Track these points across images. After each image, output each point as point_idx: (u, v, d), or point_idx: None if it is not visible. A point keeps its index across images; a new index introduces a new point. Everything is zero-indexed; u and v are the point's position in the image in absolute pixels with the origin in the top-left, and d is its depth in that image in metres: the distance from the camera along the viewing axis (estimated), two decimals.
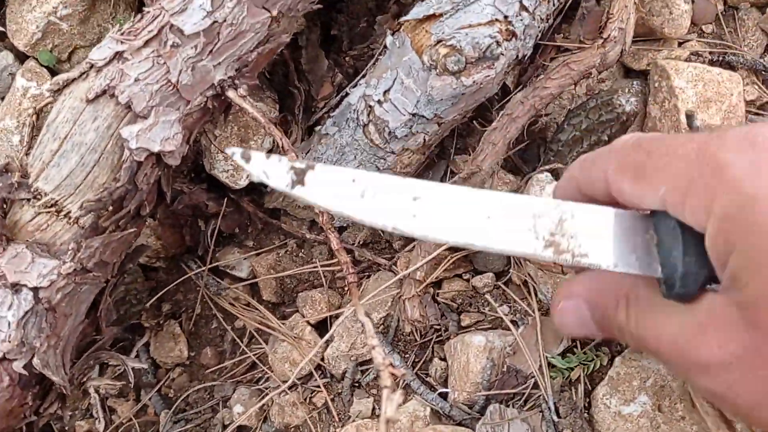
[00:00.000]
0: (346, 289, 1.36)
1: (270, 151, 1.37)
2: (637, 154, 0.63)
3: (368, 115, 1.25)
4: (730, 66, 1.38)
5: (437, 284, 1.30)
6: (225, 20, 1.07)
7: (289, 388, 1.33)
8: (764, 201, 0.51)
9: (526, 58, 1.30)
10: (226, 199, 1.46)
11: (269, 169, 0.63)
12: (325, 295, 1.36)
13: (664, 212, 0.60)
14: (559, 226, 0.65)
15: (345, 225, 1.40)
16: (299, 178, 0.63)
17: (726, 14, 1.43)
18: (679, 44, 1.39)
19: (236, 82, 1.12)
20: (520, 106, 1.25)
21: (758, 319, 0.51)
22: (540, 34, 1.30)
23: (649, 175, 0.60)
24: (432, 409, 1.19)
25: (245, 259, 1.48)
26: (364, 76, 1.31)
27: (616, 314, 0.65)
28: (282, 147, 1.11)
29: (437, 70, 1.16)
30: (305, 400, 1.32)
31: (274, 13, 1.13)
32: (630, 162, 0.63)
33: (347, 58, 1.48)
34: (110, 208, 1.07)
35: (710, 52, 1.38)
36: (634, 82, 1.29)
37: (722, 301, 0.56)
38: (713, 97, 1.29)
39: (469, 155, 1.32)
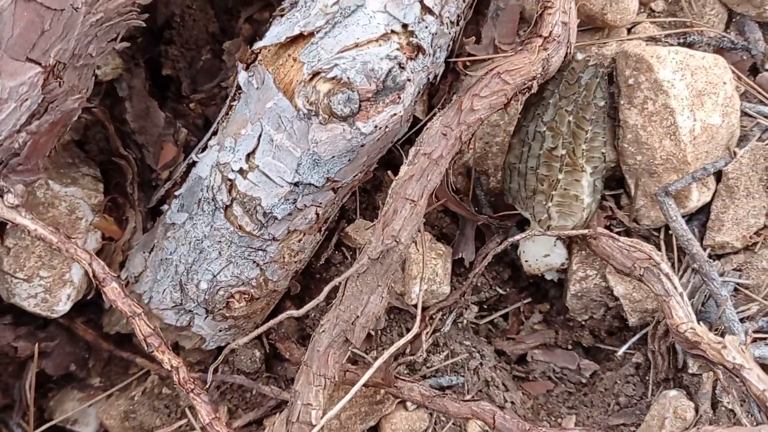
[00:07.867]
0: None
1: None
2: None
3: (229, 192, 0.85)
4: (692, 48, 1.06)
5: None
6: None
7: None
8: None
9: (438, 78, 0.94)
10: (50, 329, 1.02)
11: None
12: None
13: None
14: None
15: (222, 344, 0.98)
16: None
17: None
18: (628, 30, 1.07)
19: (1, 184, 0.69)
20: (442, 141, 0.84)
21: None
22: (451, 43, 0.94)
23: None
24: None
25: (90, 406, 1.05)
26: (215, 134, 0.90)
27: None
28: (94, 275, 0.69)
29: (320, 117, 0.77)
30: None
31: (50, 62, 0.71)
32: None
33: (191, 105, 1.08)
34: None
35: (667, 35, 1.06)
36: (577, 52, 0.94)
37: None
38: (705, 88, 0.97)
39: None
